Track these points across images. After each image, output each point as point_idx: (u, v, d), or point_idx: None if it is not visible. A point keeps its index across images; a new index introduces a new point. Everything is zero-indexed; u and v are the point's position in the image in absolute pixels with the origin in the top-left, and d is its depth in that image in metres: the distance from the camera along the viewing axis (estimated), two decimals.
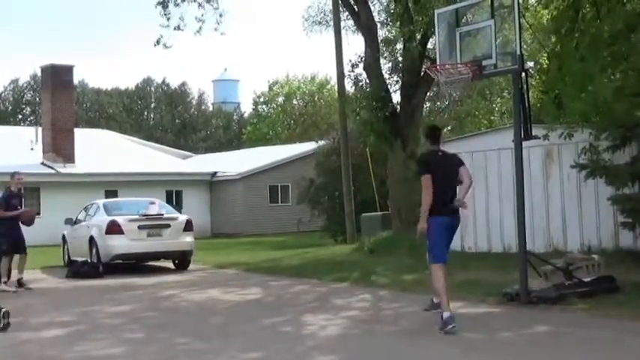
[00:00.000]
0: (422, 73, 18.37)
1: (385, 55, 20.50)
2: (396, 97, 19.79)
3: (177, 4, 19.88)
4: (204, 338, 7.67)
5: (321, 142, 26.33)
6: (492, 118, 33.14)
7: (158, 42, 20.09)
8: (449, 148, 15.61)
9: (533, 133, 9.40)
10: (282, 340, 7.45)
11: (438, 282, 7.75)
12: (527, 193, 10.92)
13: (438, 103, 33.44)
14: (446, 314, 7.45)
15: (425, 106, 27.35)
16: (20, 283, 12.60)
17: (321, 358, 6.59)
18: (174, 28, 19.91)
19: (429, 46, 19.14)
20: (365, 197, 21.63)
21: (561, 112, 11.27)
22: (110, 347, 7.35)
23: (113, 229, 14.96)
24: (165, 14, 19.69)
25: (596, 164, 11.35)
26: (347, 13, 21.40)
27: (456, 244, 15.04)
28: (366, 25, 19.41)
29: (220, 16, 20.52)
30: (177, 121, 65.64)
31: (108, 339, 7.78)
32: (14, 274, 12.64)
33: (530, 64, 20.87)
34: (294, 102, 54.87)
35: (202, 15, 20.17)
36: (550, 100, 11.85)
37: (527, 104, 9.22)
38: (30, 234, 13.10)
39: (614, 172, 11.10)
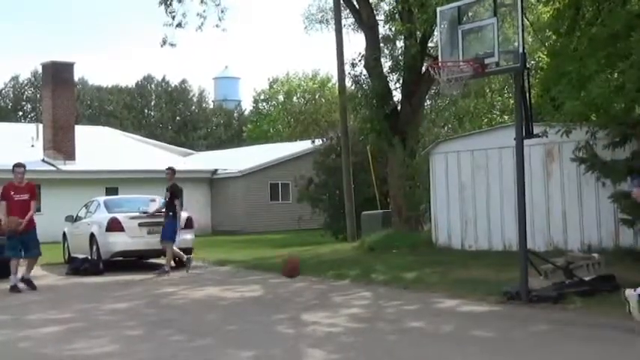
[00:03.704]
0: (423, 72, 18.33)
1: (386, 53, 20.47)
2: (397, 95, 19.77)
3: (181, 1, 19.91)
4: (202, 336, 7.66)
5: (318, 142, 26.25)
6: (494, 113, 32.89)
7: (164, 42, 20.20)
8: (450, 146, 15.68)
9: (534, 132, 9.39)
10: (281, 337, 7.43)
11: (169, 254, 14.20)
12: (528, 192, 10.89)
13: (439, 101, 33.28)
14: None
15: (426, 104, 27.35)
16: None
17: (320, 356, 6.58)
18: (177, 26, 19.95)
19: (430, 44, 19.12)
20: (365, 195, 21.61)
21: (559, 112, 11.24)
22: (109, 344, 7.34)
23: (114, 226, 14.97)
24: (170, 12, 19.74)
25: (596, 158, 11.35)
26: (348, 11, 21.37)
27: (456, 242, 15.14)
28: (367, 23, 19.36)
29: (222, 12, 20.54)
30: (177, 118, 65.63)
31: (106, 336, 7.77)
32: None
33: (531, 62, 20.82)
34: (295, 100, 54.83)
35: (204, 11, 20.19)
36: (547, 99, 11.82)
37: (528, 103, 9.21)
38: None
39: (612, 166, 11.09)
